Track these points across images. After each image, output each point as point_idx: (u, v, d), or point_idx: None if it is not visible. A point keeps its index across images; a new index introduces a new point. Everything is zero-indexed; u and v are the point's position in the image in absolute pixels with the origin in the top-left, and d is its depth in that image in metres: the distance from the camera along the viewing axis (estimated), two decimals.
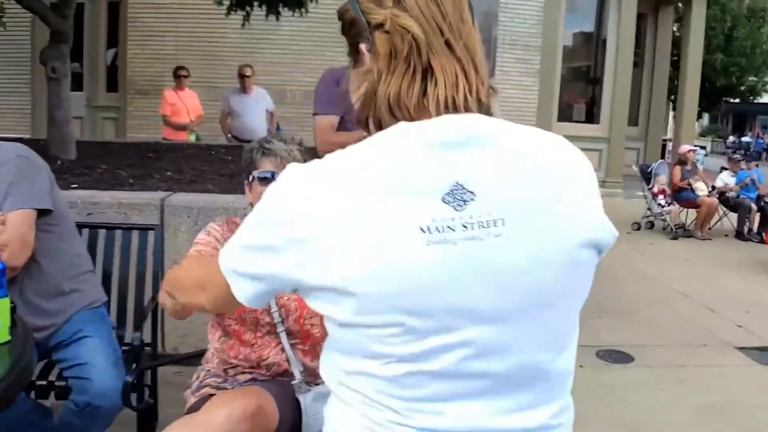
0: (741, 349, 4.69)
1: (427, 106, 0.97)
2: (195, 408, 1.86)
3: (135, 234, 2.81)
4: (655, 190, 9.32)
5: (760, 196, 9.76)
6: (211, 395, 1.89)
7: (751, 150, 23.71)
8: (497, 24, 10.74)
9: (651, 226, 9.35)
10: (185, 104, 7.46)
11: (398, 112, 0.98)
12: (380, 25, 1.00)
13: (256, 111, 7.43)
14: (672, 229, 9.02)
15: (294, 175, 0.97)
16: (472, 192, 0.92)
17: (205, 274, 1.16)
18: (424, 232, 0.90)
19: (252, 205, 2.03)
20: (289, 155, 2.01)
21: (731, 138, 33.95)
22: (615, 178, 12.26)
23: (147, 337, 2.59)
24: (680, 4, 13.67)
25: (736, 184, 9.93)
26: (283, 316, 1.96)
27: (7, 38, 8.86)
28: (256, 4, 6.14)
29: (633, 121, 12.70)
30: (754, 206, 9.49)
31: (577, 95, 13.55)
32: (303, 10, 6.20)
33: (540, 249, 0.94)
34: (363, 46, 1.04)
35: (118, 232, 2.81)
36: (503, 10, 11.04)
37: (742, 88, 20.12)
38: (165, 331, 3.43)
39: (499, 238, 0.92)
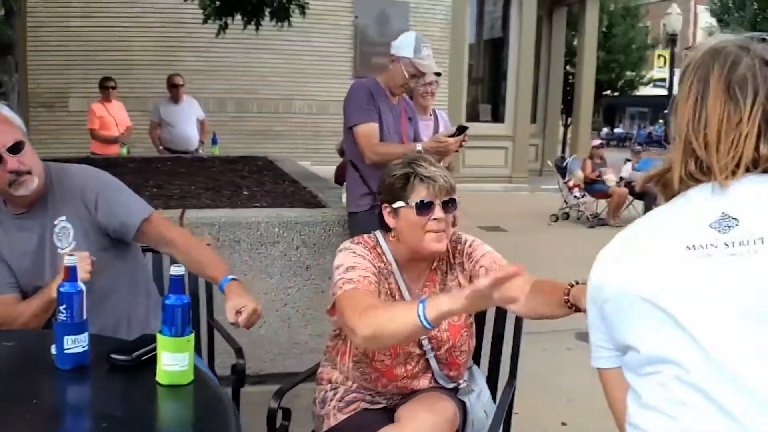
0: None
1: None
2: (349, 424, 1.86)
3: None
4: (571, 183, 9.84)
5: None
6: (366, 410, 1.88)
7: (633, 140, 25.43)
8: (408, 28, 10.99)
9: (567, 217, 9.86)
10: (114, 117, 7.13)
11: None
12: None
13: (187, 121, 7.21)
14: (588, 218, 9.56)
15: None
16: (735, 219, 1.04)
17: None
18: (689, 249, 1.04)
19: (393, 230, 1.88)
20: (446, 183, 1.85)
21: (605, 129, 36.03)
22: (521, 173, 12.85)
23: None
24: (570, 7, 14.46)
25: (638, 171, 10.64)
26: (434, 346, 1.89)
27: None
28: (238, 14, 5.93)
29: (532, 119, 13.32)
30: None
31: (483, 96, 14.07)
32: (286, 22, 6.09)
33: None
34: None
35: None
36: (413, 14, 11.29)
37: (621, 82, 21.58)
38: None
39: (757, 254, 1.01)
